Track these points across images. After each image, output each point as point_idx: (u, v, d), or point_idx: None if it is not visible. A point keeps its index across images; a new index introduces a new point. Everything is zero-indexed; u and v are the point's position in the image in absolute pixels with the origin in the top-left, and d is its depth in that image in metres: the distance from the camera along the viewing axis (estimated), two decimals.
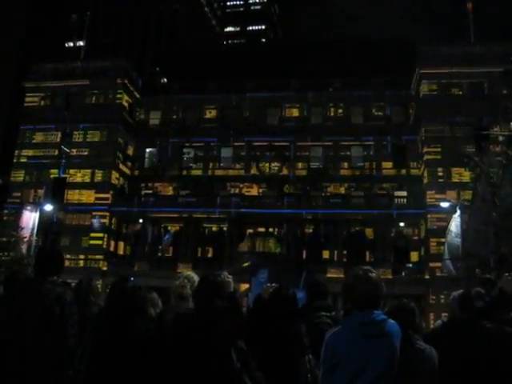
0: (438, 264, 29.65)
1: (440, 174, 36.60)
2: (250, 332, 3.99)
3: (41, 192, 40.25)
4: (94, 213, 39.93)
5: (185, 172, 43.79)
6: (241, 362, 3.32)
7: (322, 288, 5.53)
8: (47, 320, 4.05)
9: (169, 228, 41.25)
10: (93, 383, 3.91)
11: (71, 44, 70.75)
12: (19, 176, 42.21)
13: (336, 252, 37.66)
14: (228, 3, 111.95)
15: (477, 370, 3.66)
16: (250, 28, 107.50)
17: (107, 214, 40.04)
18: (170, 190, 43.46)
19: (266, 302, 4.53)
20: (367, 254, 38.18)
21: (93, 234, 39.40)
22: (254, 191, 42.34)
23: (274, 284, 4.77)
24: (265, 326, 4.14)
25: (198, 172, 43.71)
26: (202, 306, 3.52)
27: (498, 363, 3.65)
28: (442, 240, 30.40)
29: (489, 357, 3.67)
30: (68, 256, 35.42)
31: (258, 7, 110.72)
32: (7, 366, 4.01)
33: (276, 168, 42.80)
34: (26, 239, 31.94)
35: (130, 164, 44.40)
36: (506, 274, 4.35)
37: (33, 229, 32.52)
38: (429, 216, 35.71)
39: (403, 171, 40.80)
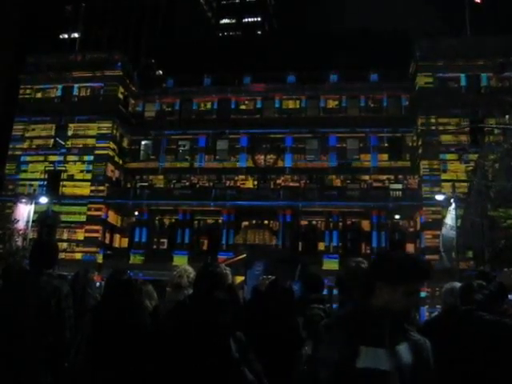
0: (433, 256, 29.76)
1: (435, 166, 36.65)
2: (247, 324, 4.00)
3: (36, 184, 40.16)
4: (89, 205, 39.85)
5: (180, 164, 43.73)
6: (239, 353, 3.34)
7: (317, 280, 5.54)
8: (44, 312, 4.05)
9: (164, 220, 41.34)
10: (90, 376, 3.91)
11: (66, 36, 70.41)
12: (14, 168, 42.01)
13: (331, 244, 37.78)
14: None
15: (473, 361, 3.68)
16: (246, 20, 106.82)
17: (102, 206, 39.94)
18: (165, 183, 43.39)
19: (263, 294, 4.53)
20: (363, 246, 38.33)
21: (88, 227, 39.34)
22: (250, 183, 42.31)
23: (269, 276, 4.77)
24: (262, 319, 4.15)
25: (194, 164, 43.62)
26: (202, 296, 3.52)
27: (495, 354, 3.67)
28: (437, 232, 30.60)
29: (485, 347, 3.68)
30: (63, 248, 35.42)
31: None
32: (4, 358, 4.01)
33: (271, 160, 42.74)
34: (21, 232, 31.91)
35: (125, 156, 44.27)
36: (506, 269, 4.37)
37: (28, 221, 32.53)
38: (424, 209, 35.82)
39: (399, 163, 40.82)
